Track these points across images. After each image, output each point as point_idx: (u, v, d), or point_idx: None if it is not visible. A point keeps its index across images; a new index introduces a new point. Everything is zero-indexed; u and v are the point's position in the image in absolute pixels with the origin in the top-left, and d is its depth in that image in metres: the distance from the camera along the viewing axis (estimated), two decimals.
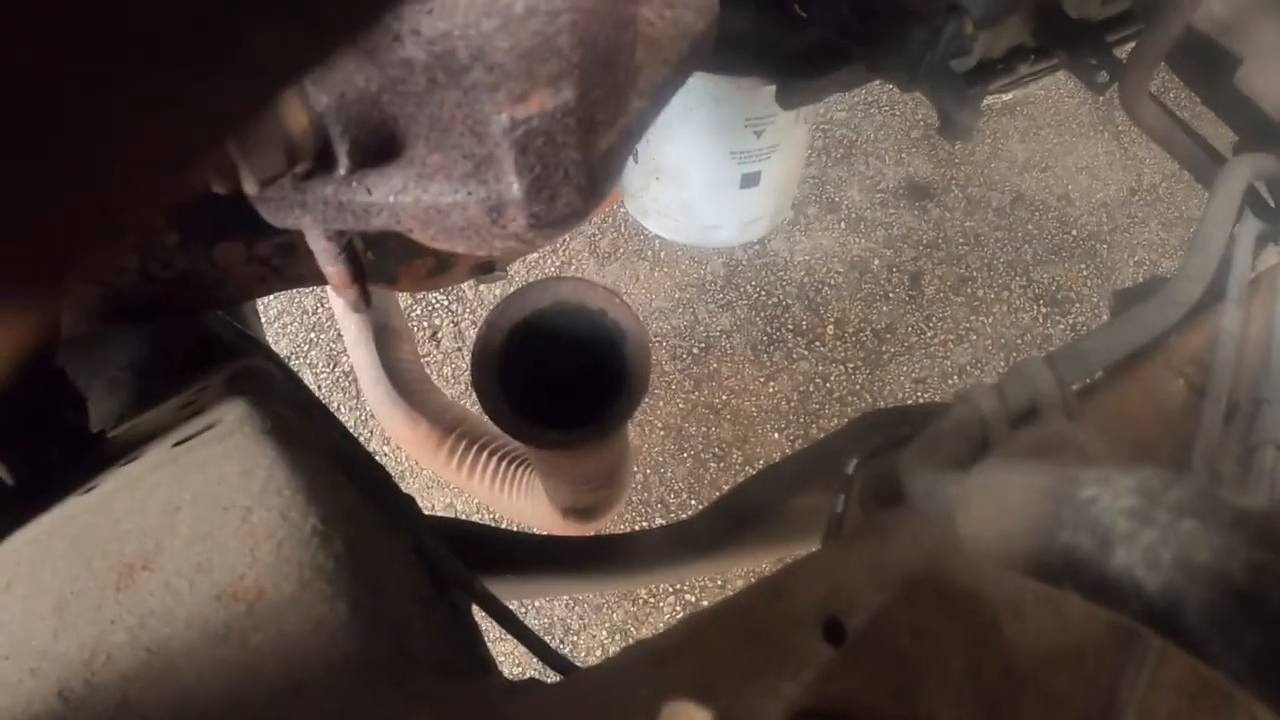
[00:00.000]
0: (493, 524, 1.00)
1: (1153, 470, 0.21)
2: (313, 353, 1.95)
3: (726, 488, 1.75)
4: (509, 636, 0.57)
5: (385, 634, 0.42)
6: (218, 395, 0.66)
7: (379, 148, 0.38)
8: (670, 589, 1.69)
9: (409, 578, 0.50)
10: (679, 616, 1.66)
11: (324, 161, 0.38)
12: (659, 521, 1.76)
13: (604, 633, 1.64)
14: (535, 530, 1.16)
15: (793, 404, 1.87)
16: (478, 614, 0.58)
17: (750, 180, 1.73)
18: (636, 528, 1.71)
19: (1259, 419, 0.49)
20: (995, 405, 0.46)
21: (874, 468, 0.62)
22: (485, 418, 1.35)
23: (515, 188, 0.37)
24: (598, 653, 1.62)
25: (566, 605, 1.64)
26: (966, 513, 0.27)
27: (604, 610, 1.66)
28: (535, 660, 0.65)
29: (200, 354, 0.80)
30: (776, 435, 1.84)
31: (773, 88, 1.20)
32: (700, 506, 1.75)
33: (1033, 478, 0.25)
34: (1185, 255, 0.57)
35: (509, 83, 0.34)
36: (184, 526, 0.48)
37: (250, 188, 0.38)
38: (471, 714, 0.37)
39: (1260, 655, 0.17)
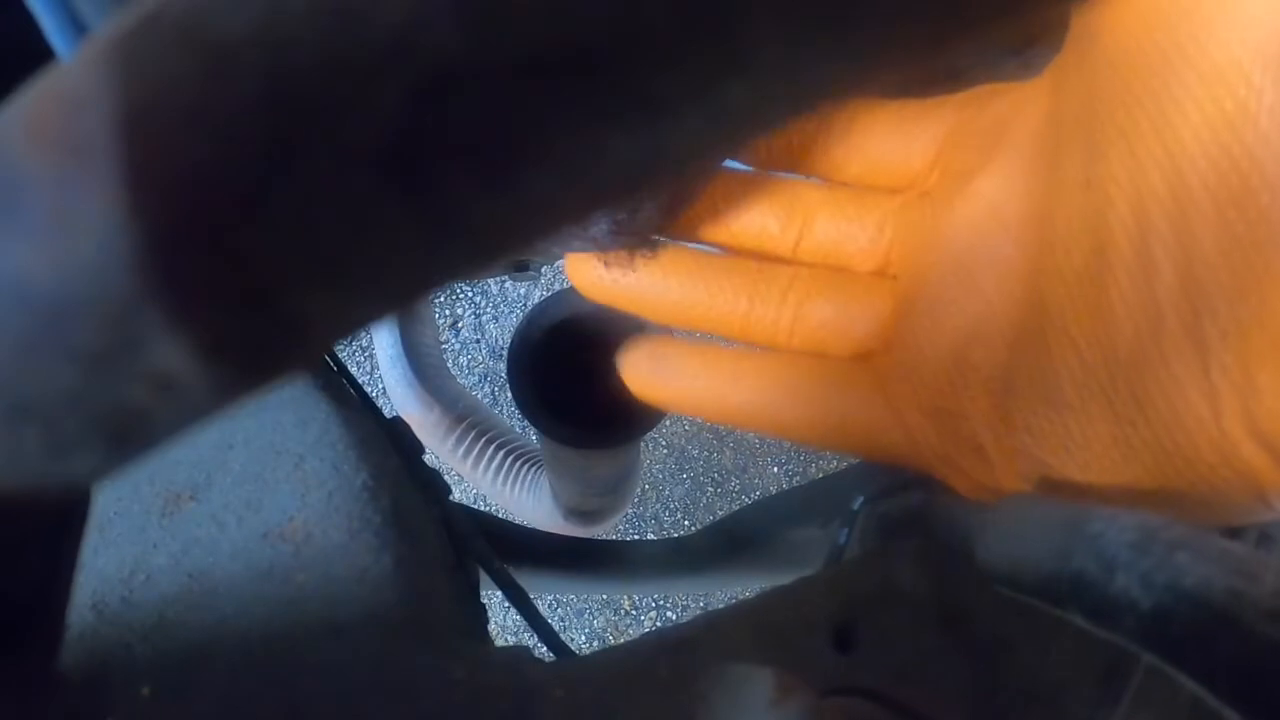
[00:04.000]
0: (492, 512, 1.03)
1: (1153, 514, 0.25)
2: None
3: (720, 513, 1.77)
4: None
5: (423, 593, 0.45)
6: None
7: None
8: (653, 603, 1.72)
9: (439, 545, 0.53)
10: None
11: None
12: (651, 536, 1.79)
13: (583, 637, 1.66)
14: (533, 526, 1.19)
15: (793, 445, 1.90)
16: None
17: None
18: (628, 539, 1.74)
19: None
20: None
21: (878, 507, 0.65)
22: (496, 412, 1.37)
23: None
24: None
25: (549, 606, 1.67)
26: (985, 539, 0.31)
27: (585, 616, 1.69)
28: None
29: None
30: (776, 469, 1.87)
31: None
32: (693, 527, 1.78)
33: (1049, 512, 0.28)
34: None
35: None
36: (235, 465, 0.50)
37: None
38: (500, 672, 0.40)
39: (1230, 661, 0.20)
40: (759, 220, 0.42)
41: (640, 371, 0.43)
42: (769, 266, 0.42)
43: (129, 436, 0.13)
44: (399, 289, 0.12)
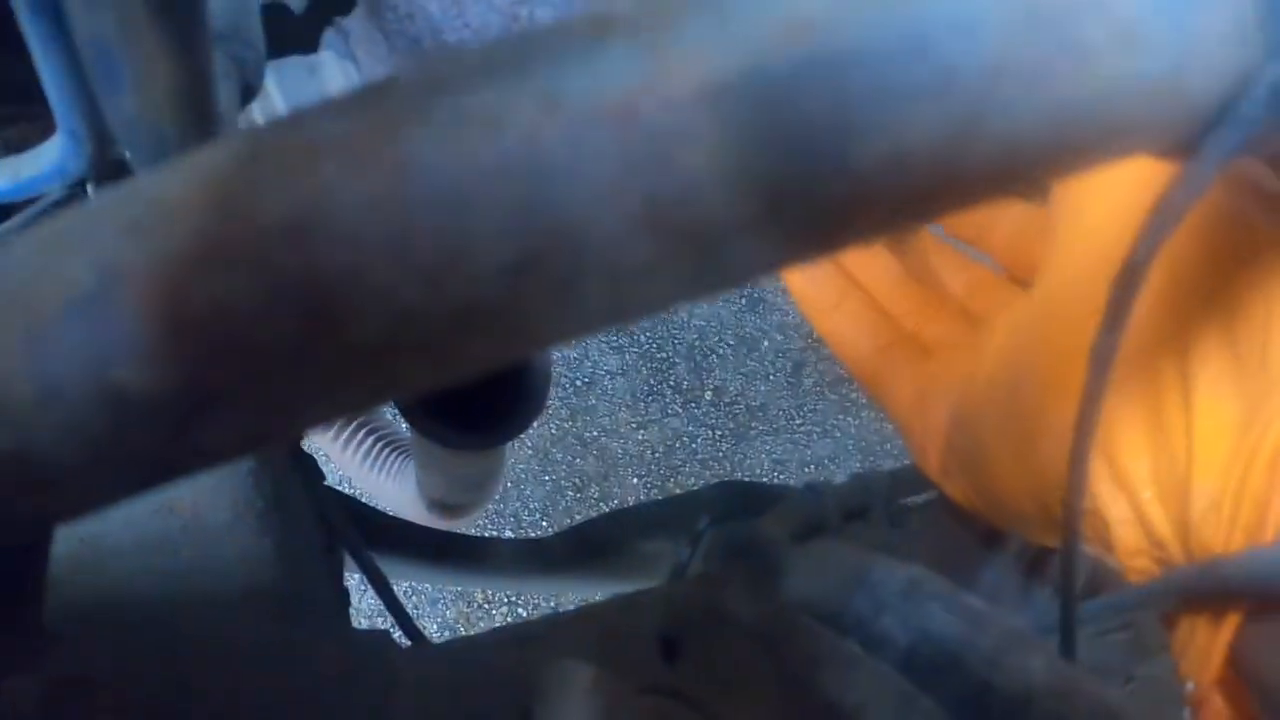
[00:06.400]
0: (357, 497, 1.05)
1: (923, 570, 0.31)
2: None
3: (578, 517, 1.82)
4: None
5: (298, 574, 0.49)
6: None
7: None
8: (505, 599, 1.76)
9: (313, 529, 0.57)
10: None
11: None
12: (508, 534, 1.83)
13: (435, 626, 1.70)
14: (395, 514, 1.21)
15: (658, 455, 1.96)
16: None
17: None
18: (487, 535, 1.78)
19: (1044, 561, 0.59)
20: (834, 500, 0.56)
21: (721, 530, 0.71)
22: None
23: None
24: None
25: (404, 593, 1.70)
26: (794, 575, 0.36)
27: (439, 605, 1.73)
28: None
29: None
30: (635, 480, 1.93)
31: None
32: (550, 529, 1.83)
33: (843, 558, 0.34)
34: None
35: None
36: None
37: None
38: (366, 653, 0.44)
39: (959, 693, 0.27)
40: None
41: None
42: None
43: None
44: (343, 414, 0.19)
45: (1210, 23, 0.18)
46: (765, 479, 1.97)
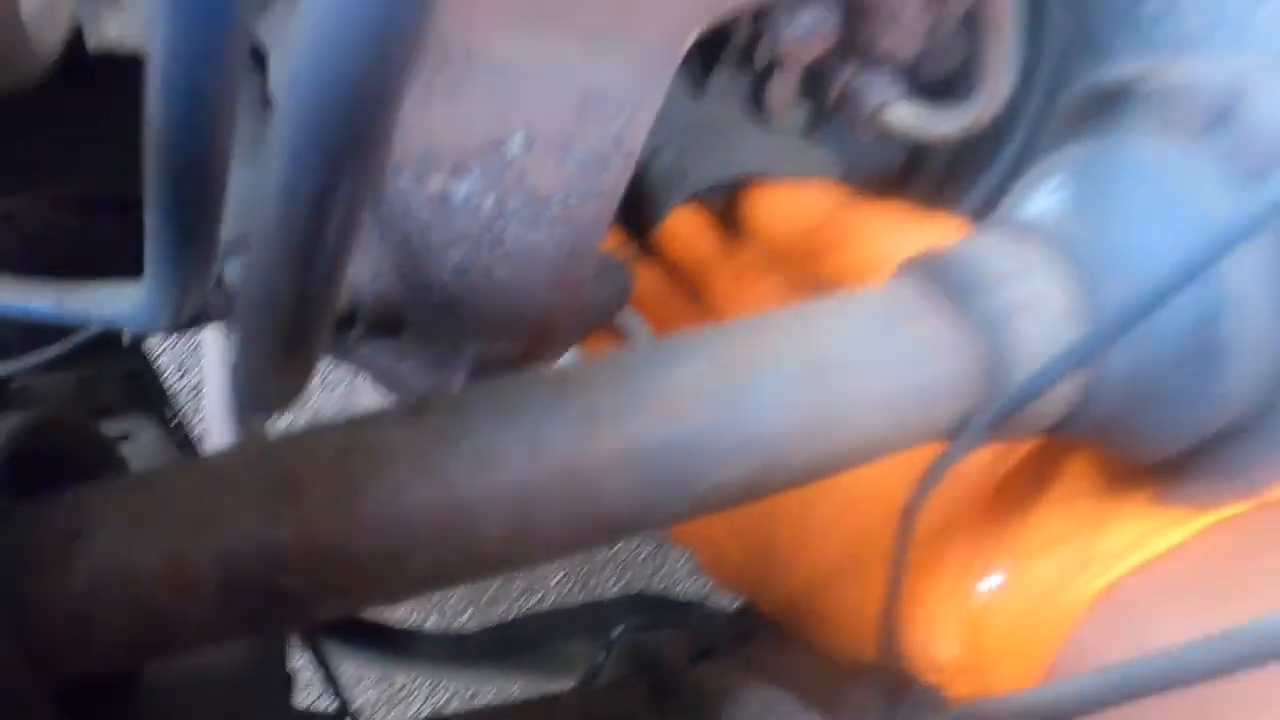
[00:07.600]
0: None
1: (778, 692, 0.40)
2: (163, 358, 1.96)
3: (502, 606, 1.85)
4: None
5: (260, 658, 0.56)
6: (123, 403, 0.76)
7: (385, 329, 0.54)
8: (424, 685, 1.80)
9: None
10: (424, 713, 1.77)
11: (346, 321, 0.54)
12: (434, 618, 1.87)
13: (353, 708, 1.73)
14: None
15: (580, 555, 2.01)
16: None
17: None
18: (411, 617, 1.82)
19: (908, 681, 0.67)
20: (726, 625, 0.64)
21: (633, 639, 0.79)
22: None
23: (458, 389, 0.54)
24: None
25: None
26: (688, 692, 0.45)
27: (362, 685, 1.76)
28: None
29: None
30: (562, 573, 1.98)
31: None
32: (474, 615, 1.87)
33: (722, 681, 0.43)
34: None
35: (488, 333, 0.52)
36: None
37: None
38: None
39: None
40: None
41: None
42: None
43: None
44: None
45: (946, 382, 0.28)
46: (682, 584, 2.04)
